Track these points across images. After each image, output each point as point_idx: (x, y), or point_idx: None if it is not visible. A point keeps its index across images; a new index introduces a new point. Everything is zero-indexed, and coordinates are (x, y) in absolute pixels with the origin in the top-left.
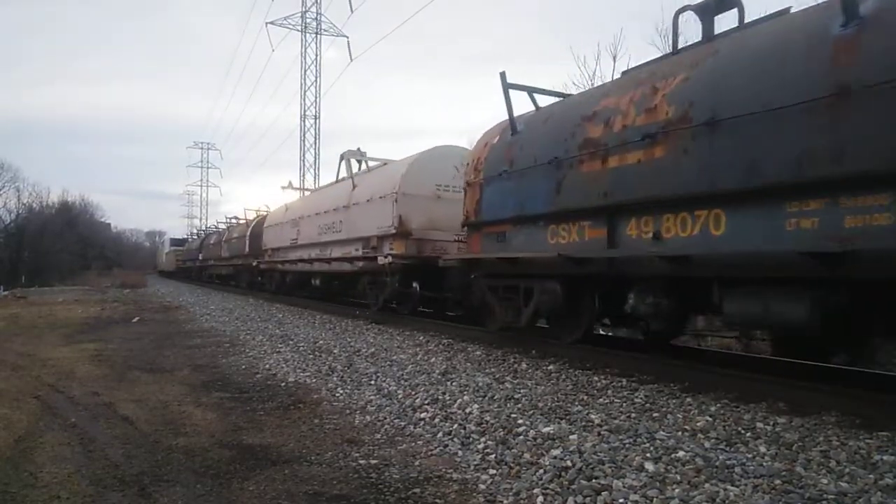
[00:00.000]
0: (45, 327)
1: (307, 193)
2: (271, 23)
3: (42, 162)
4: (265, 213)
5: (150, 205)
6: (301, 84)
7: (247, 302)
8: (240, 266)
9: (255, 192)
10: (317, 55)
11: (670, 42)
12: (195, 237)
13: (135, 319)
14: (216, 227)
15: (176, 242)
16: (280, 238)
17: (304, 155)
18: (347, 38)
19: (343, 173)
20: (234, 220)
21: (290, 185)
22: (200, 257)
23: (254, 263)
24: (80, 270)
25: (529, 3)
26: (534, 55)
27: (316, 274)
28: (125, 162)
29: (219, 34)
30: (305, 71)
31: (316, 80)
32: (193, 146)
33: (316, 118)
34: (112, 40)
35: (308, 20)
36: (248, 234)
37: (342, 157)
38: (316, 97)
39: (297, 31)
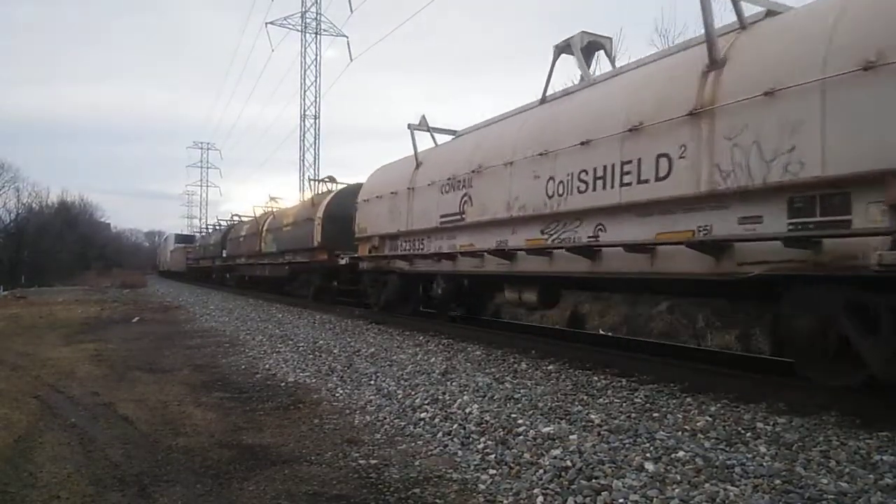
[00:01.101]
0: (45, 327)
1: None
2: (271, 23)
3: (41, 162)
4: (347, 185)
5: (149, 205)
6: (301, 84)
7: (246, 302)
8: (301, 266)
9: (255, 192)
10: (317, 55)
11: (669, 43)
12: (209, 231)
13: (135, 319)
14: (237, 218)
15: (182, 239)
16: (405, 216)
17: (303, 155)
18: (347, 38)
19: (564, 81)
20: (272, 204)
21: (424, 123)
22: (224, 254)
23: (341, 260)
24: (80, 270)
25: (530, 3)
26: (534, 54)
27: (524, 281)
28: (125, 162)
29: (219, 34)
30: (305, 71)
31: (316, 80)
32: (193, 146)
33: (316, 118)
34: (111, 39)
35: (308, 20)
36: (321, 215)
37: (559, 50)
38: (316, 97)
39: (297, 31)
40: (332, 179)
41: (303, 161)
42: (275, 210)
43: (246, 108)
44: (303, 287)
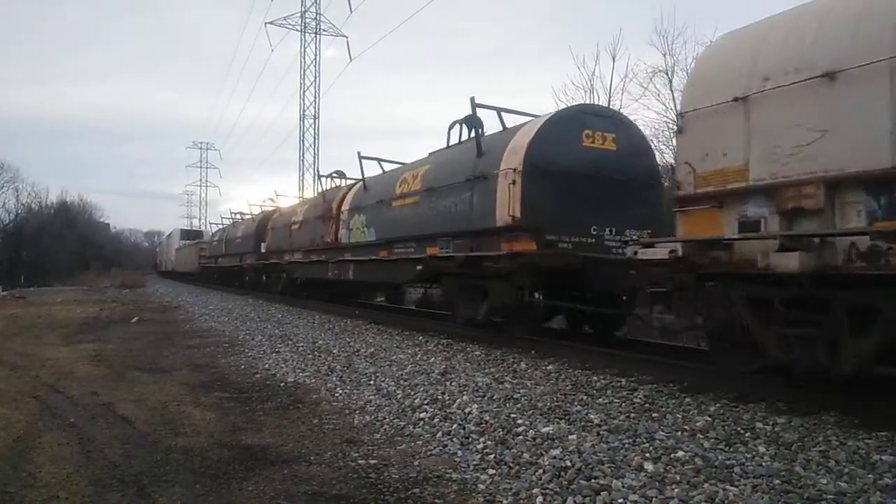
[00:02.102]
0: (44, 327)
1: None
2: (271, 23)
3: (40, 161)
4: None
5: (149, 205)
6: (300, 84)
7: (246, 302)
8: (446, 263)
9: (255, 191)
10: (316, 55)
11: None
12: (232, 220)
13: (134, 319)
14: (271, 203)
15: (189, 234)
16: None
17: (303, 155)
18: (347, 38)
19: None
20: (332, 177)
21: None
22: (262, 250)
23: (647, 252)
24: (79, 270)
25: (530, 2)
26: (534, 54)
27: None
28: (124, 161)
29: (218, 33)
30: (305, 71)
31: (315, 80)
32: (193, 146)
33: (315, 118)
34: (110, 38)
35: (307, 20)
36: (518, 167)
37: None
38: (315, 97)
39: (297, 31)
40: (472, 124)
41: (302, 161)
42: (366, 178)
43: (246, 108)
44: (461, 300)
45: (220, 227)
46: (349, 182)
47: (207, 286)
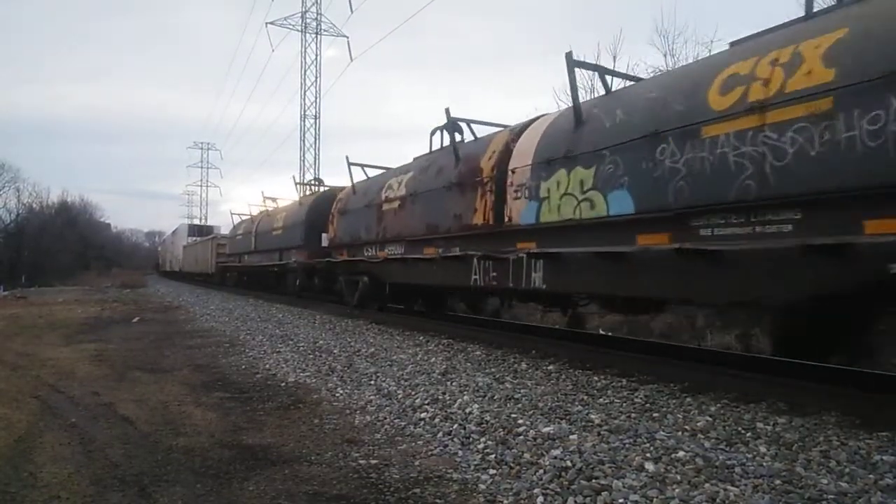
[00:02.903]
0: (45, 327)
1: None
2: (271, 23)
3: (41, 162)
4: None
5: (149, 205)
6: (301, 84)
7: (247, 302)
8: None
9: (255, 192)
10: (317, 55)
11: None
12: (267, 207)
13: (135, 319)
14: (314, 185)
15: (199, 230)
16: None
17: (304, 155)
18: (347, 38)
19: None
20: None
21: None
22: (325, 242)
23: None
24: (80, 270)
25: (530, 2)
26: (535, 54)
27: None
28: (124, 162)
29: (218, 33)
30: (305, 71)
31: (316, 80)
32: (193, 146)
33: (316, 118)
34: (110, 38)
35: (308, 20)
36: None
37: None
38: (316, 97)
39: (297, 31)
40: None
41: (303, 161)
42: (581, 102)
43: (246, 109)
44: None
45: (247, 216)
46: (498, 130)
47: (208, 287)
